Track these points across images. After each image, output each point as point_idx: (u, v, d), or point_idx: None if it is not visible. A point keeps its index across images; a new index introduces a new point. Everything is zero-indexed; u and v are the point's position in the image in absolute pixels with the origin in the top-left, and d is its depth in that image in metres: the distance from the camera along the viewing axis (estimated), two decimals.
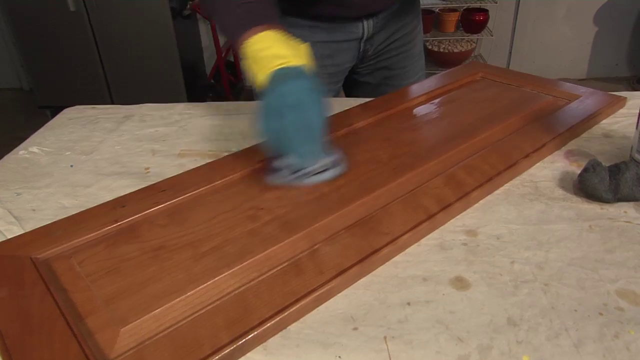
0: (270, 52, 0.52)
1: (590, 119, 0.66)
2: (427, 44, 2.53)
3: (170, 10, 2.21)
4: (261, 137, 0.52)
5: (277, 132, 0.51)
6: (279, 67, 0.51)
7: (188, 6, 2.39)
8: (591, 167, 0.52)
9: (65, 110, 0.79)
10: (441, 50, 2.50)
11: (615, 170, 0.52)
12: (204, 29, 2.67)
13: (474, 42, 2.56)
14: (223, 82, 2.57)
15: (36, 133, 0.72)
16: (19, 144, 0.70)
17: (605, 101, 0.71)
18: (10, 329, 0.37)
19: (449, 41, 2.54)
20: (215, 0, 0.58)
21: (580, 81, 2.72)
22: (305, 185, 0.53)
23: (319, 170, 0.53)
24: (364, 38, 0.84)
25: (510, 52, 2.72)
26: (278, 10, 0.58)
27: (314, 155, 0.53)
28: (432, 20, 2.51)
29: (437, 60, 2.53)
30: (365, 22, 0.81)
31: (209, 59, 2.71)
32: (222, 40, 2.53)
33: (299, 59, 0.53)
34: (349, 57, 0.86)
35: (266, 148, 0.53)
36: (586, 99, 0.71)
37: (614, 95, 0.73)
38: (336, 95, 0.92)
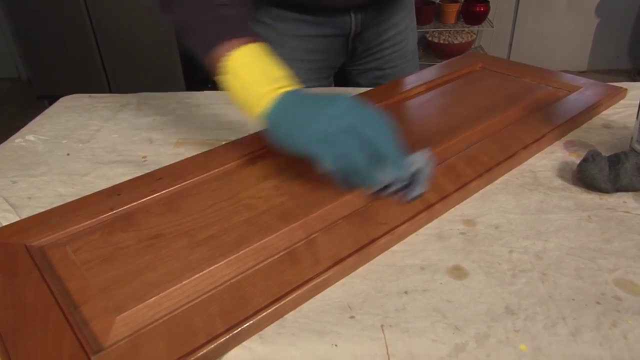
0: (266, 72, 0.44)
1: (590, 110, 0.66)
2: (427, 35, 2.51)
3: None
4: (325, 169, 0.45)
5: (351, 161, 0.44)
6: (285, 89, 0.44)
7: None
8: (590, 157, 0.52)
9: (62, 99, 0.79)
10: (441, 41, 2.49)
11: (615, 161, 0.52)
12: None
13: (474, 33, 2.55)
14: None
15: (33, 121, 0.72)
16: None
17: (605, 92, 0.70)
18: (4, 317, 0.37)
19: (450, 32, 2.53)
20: (182, 3, 0.49)
21: (581, 73, 2.70)
22: (411, 199, 0.47)
23: (413, 175, 0.47)
24: (352, 34, 0.82)
25: (510, 44, 2.71)
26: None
27: (400, 165, 0.46)
28: (433, 11, 2.49)
29: (437, 52, 2.51)
30: (352, 16, 0.79)
31: None
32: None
33: (294, 81, 0.46)
34: (338, 54, 0.85)
35: (336, 180, 0.47)
36: (586, 90, 0.71)
37: (614, 86, 0.72)
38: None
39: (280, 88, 0.45)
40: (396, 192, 0.48)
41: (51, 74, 2.39)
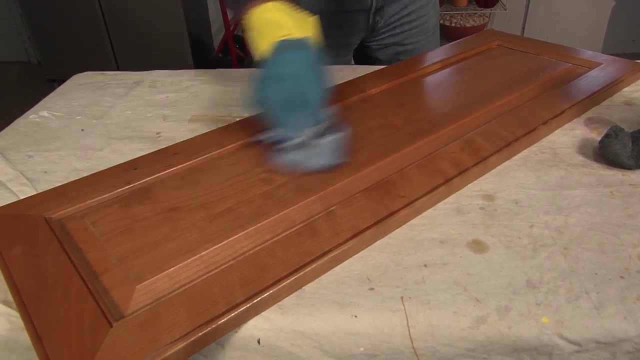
0: (275, 23, 0.50)
1: (611, 87, 0.64)
2: (439, 18, 2.48)
3: None
4: (254, 107, 0.50)
5: (270, 102, 0.49)
6: (282, 38, 0.49)
7: None
8: (613, 133, 0.51)
9: (75, 76, 0.78)
10: (453, 24, 2.45)
11: (638, 137, 0.51)
12: (212, 2, 2.63)
13: (486, 16, 2.50)
14: (231, 57, 2.54)
15: (46, 98, 0.72)
16: None
17: (626, 69, 0.69)
18: (27, 286, 0.37)
19: (461, 15, 2.49)
20: None
21: None
22: (300, 169, 0.49)
23: (303, 141, 0.49)
24: (373, 9, 0.81)
25: (523, 27, 2.66)
26: None
27: (299, 127, 0.49)
28: None
29: (448, 35, 2.48)
30: None
31: (217, 33, 2.68)
32: (230, 14, 2.49)
33: (304, 31, 0.50)
34: (358, 29, 0.84)
35: (260, 118, 0.51)
36: (607, 67, 0.69)
37: (636, 62, 0.71)
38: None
39: (283, 36, 0.49)
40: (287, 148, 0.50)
41: (61, 57, 2.39)
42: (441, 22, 2.46)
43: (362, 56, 0.91)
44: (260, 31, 0.50)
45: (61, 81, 0.78)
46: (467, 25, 2.44)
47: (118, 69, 2.41)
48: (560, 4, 2.59)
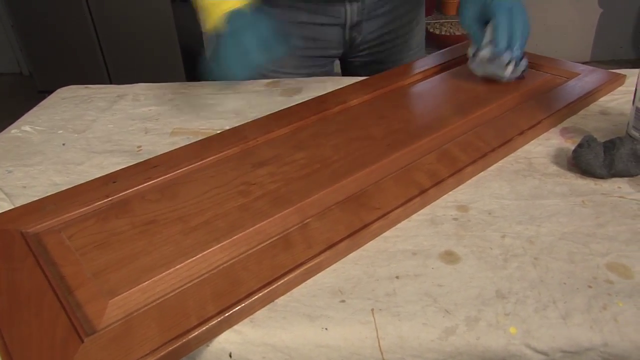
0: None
1: (588, 97, 0.65)
2: (429, 26, 2.50)
3: None
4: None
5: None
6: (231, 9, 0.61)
7: None
8: (586, 143, 0.52)
9: (59, 90, 0.79)
10: (443, 33, 2.47)
11: (610, 146, 0.52)
12: None
13: None
14: None
15: (29, 112, 0.72)
16: None
17: (604, 79, 0.70)
18: None
19: (451, 24, 2.51)
20: None
21: (584, 64, 2.68)
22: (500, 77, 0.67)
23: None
24: (348, 24, 0.81)
25: None
26: None
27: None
28: (434, 2, 2.48)
29: (438, 44, 2.49)
30: (348, 7, 0.78)
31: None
32: None
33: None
34: (334, 44, 0.84)
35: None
36: (585, 77, 0.70)
37: (613, 72, 0.72)
38: None
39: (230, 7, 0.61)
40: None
41: (52, 69, 2.40)
42: (430, 30, 2.48)
43: (347, 72, 0.92)
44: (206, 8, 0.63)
45: (52, 92, 0.79)
46: (457, 33, 2.47)
47: (109, 80, 2.42)
48: (549, 12, 2.62)
